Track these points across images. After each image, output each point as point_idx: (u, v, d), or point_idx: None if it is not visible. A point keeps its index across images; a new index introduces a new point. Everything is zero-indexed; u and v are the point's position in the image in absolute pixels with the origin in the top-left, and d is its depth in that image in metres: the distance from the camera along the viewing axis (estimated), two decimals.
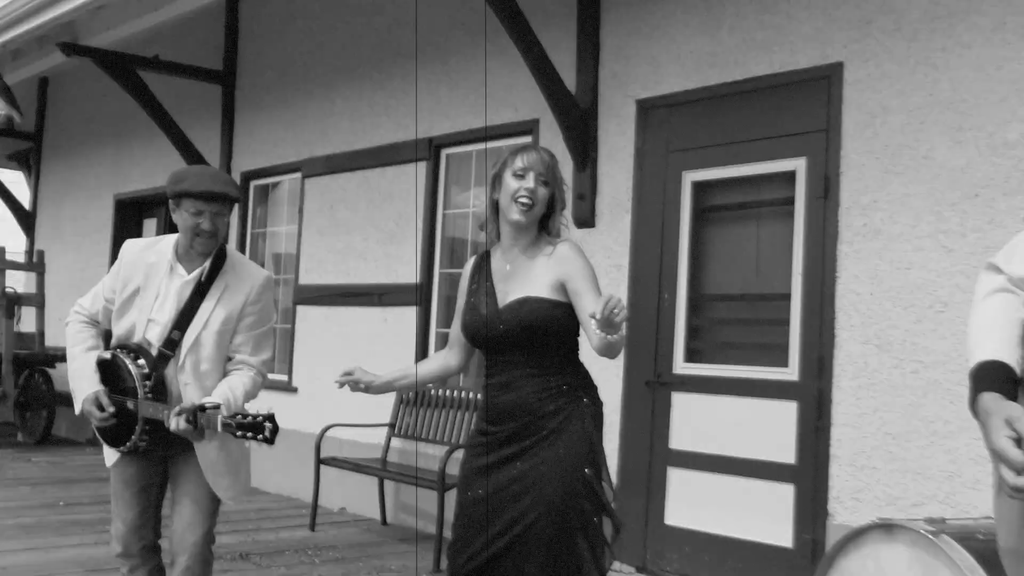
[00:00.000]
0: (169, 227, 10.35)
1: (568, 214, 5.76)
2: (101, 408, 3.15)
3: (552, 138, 5.96)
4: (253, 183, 8.75)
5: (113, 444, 3.27)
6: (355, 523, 6.72)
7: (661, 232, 5.44)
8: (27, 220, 12.58)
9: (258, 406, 3.05)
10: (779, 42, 5.00)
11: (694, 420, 5.20)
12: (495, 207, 2.92)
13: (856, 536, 2.93)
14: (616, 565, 5.42)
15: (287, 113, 8.26)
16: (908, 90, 4.48)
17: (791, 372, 4.81)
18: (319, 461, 6.47)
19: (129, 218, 10.66)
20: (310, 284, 7.86)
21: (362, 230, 7.42)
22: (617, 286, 5.60)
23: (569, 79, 5.86)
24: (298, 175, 8.13)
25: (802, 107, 4.88)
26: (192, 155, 8.57)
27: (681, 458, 5.22)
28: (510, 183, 2.84)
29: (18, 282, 11.21)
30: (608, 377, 5.57)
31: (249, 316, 3.29)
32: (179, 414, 2.98)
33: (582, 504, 2.74)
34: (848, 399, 4.58)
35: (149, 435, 3.16)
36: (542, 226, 2.92)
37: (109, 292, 3.34)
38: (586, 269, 2.83)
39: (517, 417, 2.80)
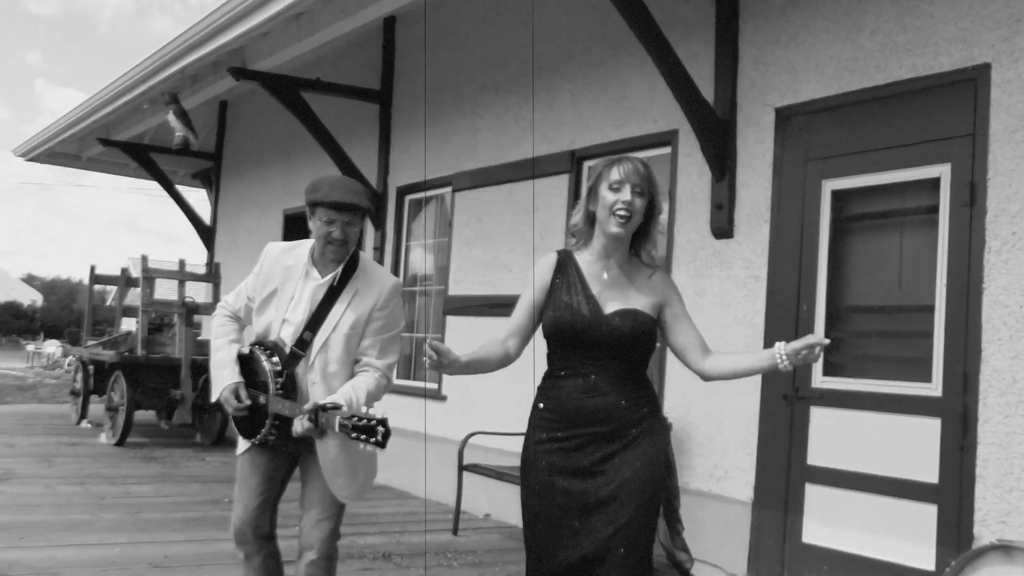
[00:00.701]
0: None
1: (706, 222, 5.75)
2: (238, 399, 3.37)
3: (691, 148, 5.94)
4: (408, 197, 9.06)
5: (246, 435, 3.48)
6: (498, 529, 6.86)
7: (800, 242, 5.32)
8: (207, 234, 13.43)
9: (383, 410, 3.17)
10: (922, 44, 4.82)
11: (832, 436, 5.05)
12: (591, 218, 2.97)
13: (975, 558, 2.81)
14: None
15: (438, 129, 8.53)
16: None
17: (934, 388, 4.61)
18: (462, 467, 6.63)
19: (296, 231, 11.21)
20: (459, 295, 8.07)
21: (507, 242, 7.57)
22: (754, 297, 5.52)
23: (708, 89, 5.82)
24: (448, 189, 8.37)
25: (946, 111, 4.68)
26: (351, 171, 8.96)
27: (819, 474, 5.08)
28: (607, 196, 2.88)
29: (198, 292, 11.98)
30: (746, 391, 5.50)
31: (377, 321, 3.44)
32: (303, 416, 3.16)
33: (658, 510, 2.79)
34: (995, 416, 4.35)
35: (278, 430, 3.36)
36: (639, 234, 2.95)
37: (251, 291, 3.57)
38: (682, 299, 3.04)
39: (603, 422, 2.83)
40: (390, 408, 8.17)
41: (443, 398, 8.05)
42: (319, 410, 3.14)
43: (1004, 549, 2.69)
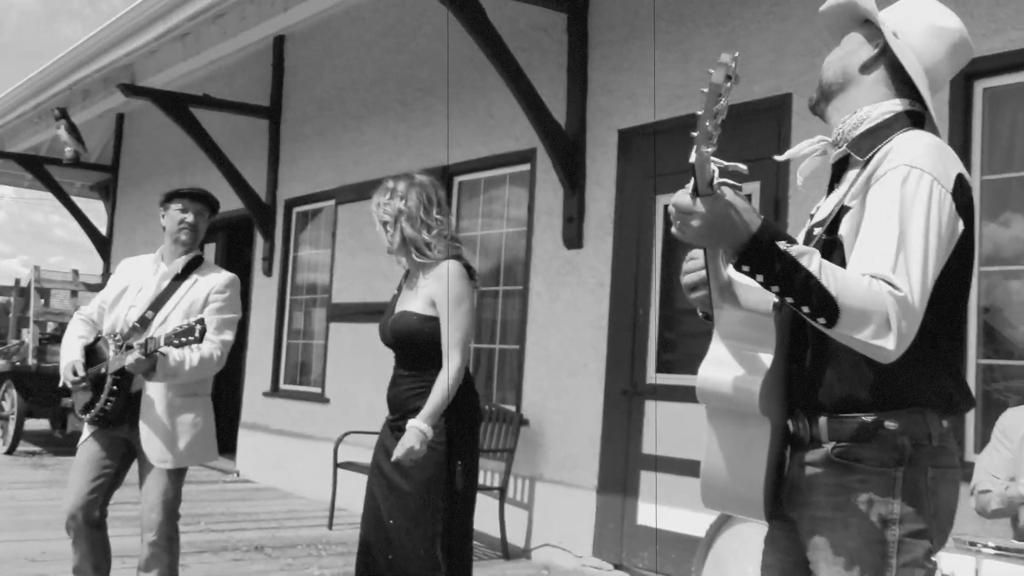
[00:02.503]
0: (227, 252, 11.13)
1: (560, 234, 6.21)
2: (75, 373, 3.73)
3: (547, 165, 6.44)
4: (295, 210, 9.41)
5: (84, 410, 3.81)
6: None
7: (637, 252, 5.85)
8: (103, 245, 13.53)
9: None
10: (739, 75, 5.37)
11: (664, 426, 5.57)
12: None
13: (727, 518, 3.31)
14: (595, 562, 5.82)
15: (324, 144, 8.91)
16: None
17: None
18: (336, 465, 7.00)
19: None
20: (342, 303, 8.45)
21: (385, 251, 7.97)
22: (600, 302, 6.03)
23: (561, 110, 6.33)
24: (333, 202, 8.75)
25: (758, 135, 5.26)
26: (240, 185, 9.28)
27: (651, 462, 5.60)
28: None
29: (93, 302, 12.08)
30: (592, 387, 6.00)
31: (214, 303, 3.87)
32: (135, 350, 3.52)
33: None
34: None
35: (116, 398, 3.69)
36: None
37: (104, 295, 4.02)
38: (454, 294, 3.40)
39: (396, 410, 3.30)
40: (279, 412, 8.61)
41: (326, 400, 8.40)
42: (147, 340, 3.50)
43: None
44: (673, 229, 1.73)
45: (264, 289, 9.65)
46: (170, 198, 3.92)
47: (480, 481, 6.13)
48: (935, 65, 1.95)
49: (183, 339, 3.41)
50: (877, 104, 1.94)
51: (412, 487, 3.20)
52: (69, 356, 3.82)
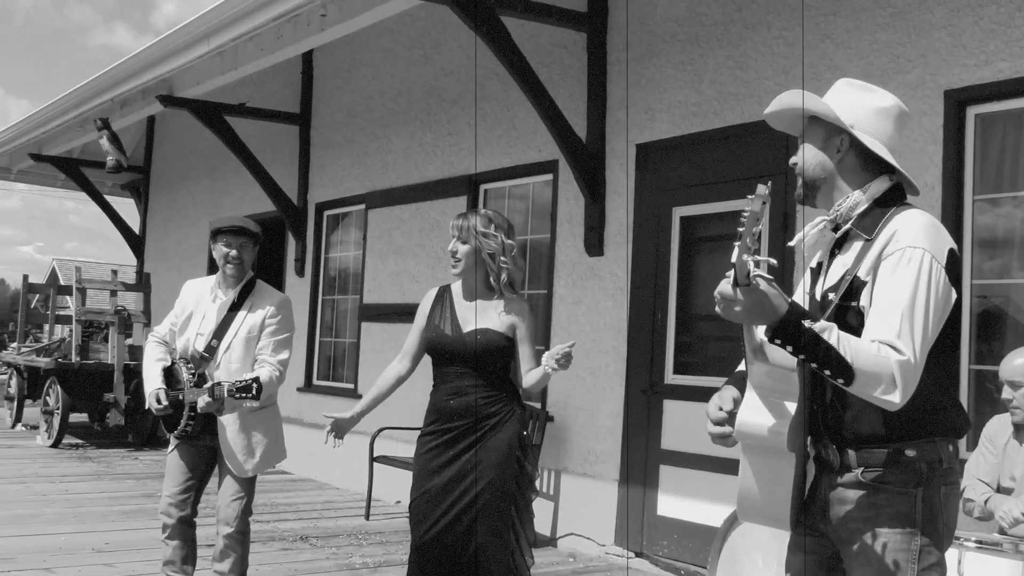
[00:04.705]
0: (260, 252, 11.52)
1: (582, 241, 6.60)
2: (159, 401, 4.16)
3: (568, 176, 6.82)
4: (326, 213, 9.83)
5: (170, 429, 4.28)
6: (407, 515, 7.65)
7: (655, 259, 6.24)
8: (137, 244, 14.00)
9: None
10: (748, 94, 5.75)
11: (682, 424, 5.97)
12: None
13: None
14: (617, 550, 6.23)
15: (353, 151, 9.31)
16: None
17: None
18: (372, 459, 7.44)
19: None
20: (372, 303, 8.87)
21: (415, 255, 8.39)
22: (620, 307, 6.42)
23: (581, 124, 6.70)
24: (363, 206, 9.16)
25: (768, 151, 5.62)
26: (272, 189, 9.70)
27: (671, 457, 6.00)
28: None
29: (127, 300, 12.56)
30: (613, 387, 6.40)
31: (270, 326, 4.32)
32: (204, 392, 4.03)
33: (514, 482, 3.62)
34: None
35: (194, 420, 4.16)
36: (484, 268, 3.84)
37: (173, 319, 4.45)
38: (529, 323, 3.85)
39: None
40: (312, 407, 9.11)
41: (358, 396, 8.81)
42: (214, 386, 4.02)
43: None
44: (717, 309, 2.09)
45: (296, 289, 10.07)
46: (215, 234, 4.32)
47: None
48: (889, 139, 2.34)
49: (243, 395, 3.95)
50: (864, 186, 2.32)
51: (488, 484, 3.59)
52: (152, 384, 4.22)
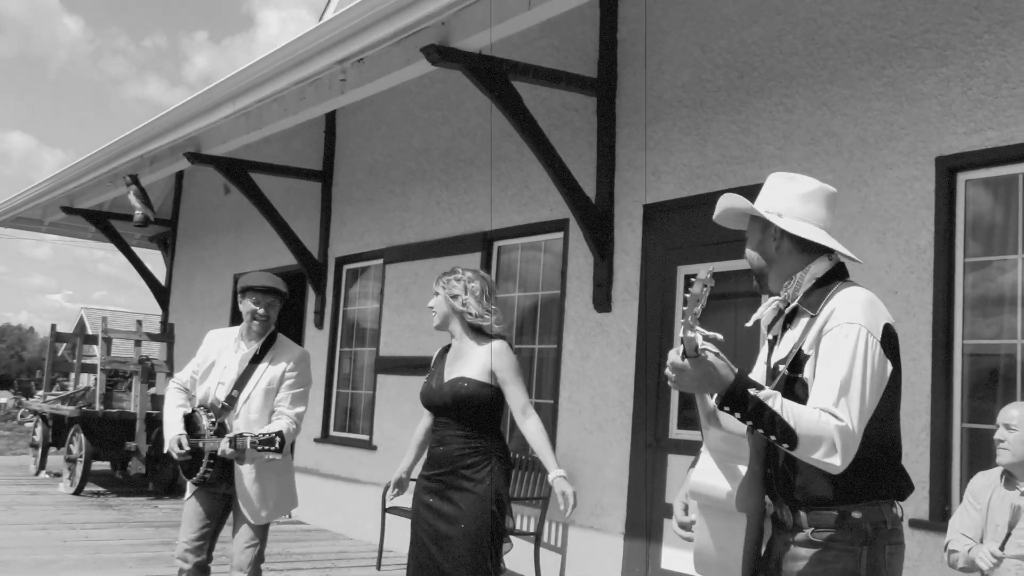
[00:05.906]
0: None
1: (590, 298, 6.78)
2: (180, 447, 4.34)
3: (578, 235, 7.02)
4: (345, 267, 10.08)
5: (189, 476, 4.46)
6: None
7: (661, 316, 6.41)
8: (162, 294, 14.31)
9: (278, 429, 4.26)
10: (749, 159, 5.96)
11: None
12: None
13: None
14: None
15: (372, 208, 9.58)
16: (844, 201, 5.37)
17: None
18: (384, 510, 7.58)
19: None
20: (388, 356, 9.07)
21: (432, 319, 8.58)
22: (627, 361, 6.58)
23: (591, 184, 6.92)
24: (380, 261, 9.40)
25: None
26: (294, 243, 9.97)
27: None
28: None
29: (151, 349, 12.84)
30: (619, 440, 6.54)
31: (289, 379, 4.52)
32: (225, 441, 4.21)
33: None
34: None
35: (213, 468, 4.34)
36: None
37: (195, 367, 4.65)
38: (511, 367, 4.05)
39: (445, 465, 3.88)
40: (329, 458, 9.38)
41: (374, 447, 9.00)
42: (236, 437, 4.20)
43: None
44: (669, 380, 2.29)
45: (315, 340, 10.29)
46: (244, 292, 4.52)
47: (516, 526, 6.70)
48: (823, 221, 2.55)
49: (265, 447, 4.13)
50: (804, 269, 2.53)
51: (461, 533, 3.76)
52: (173, 430, 4.41)
